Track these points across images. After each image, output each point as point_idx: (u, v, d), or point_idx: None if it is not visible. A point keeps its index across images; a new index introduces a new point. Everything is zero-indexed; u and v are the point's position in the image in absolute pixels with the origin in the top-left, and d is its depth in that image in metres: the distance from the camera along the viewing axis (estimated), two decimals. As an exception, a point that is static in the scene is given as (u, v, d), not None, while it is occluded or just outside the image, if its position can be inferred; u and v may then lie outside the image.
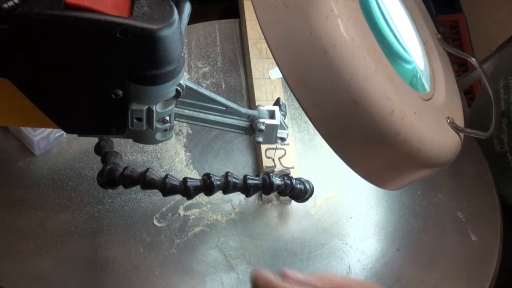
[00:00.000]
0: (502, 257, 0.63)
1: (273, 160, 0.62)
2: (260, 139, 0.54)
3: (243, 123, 0.54)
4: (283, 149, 0.63)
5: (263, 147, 0.63)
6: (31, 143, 0.62)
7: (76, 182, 0.62)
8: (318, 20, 0.37)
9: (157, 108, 0.45)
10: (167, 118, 0.47)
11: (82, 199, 0.60)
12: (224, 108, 0.52)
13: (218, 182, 0.47)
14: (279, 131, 0.55)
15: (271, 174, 0.51)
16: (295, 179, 0.57)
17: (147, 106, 0.45)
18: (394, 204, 0.66)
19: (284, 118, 0.56)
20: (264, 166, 0.62)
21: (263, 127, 0.53)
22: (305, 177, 0.61)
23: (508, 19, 1.22)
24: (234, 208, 0.62)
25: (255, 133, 0.53)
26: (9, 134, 0.64)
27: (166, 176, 0.46)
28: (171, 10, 0.41)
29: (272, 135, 0.54)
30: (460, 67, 1.37)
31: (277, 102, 0.57)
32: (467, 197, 0.67)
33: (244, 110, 0.54)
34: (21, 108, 0.44)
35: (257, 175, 0.54)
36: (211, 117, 0.52)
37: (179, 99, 0.47)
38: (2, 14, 0.38)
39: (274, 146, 0.63)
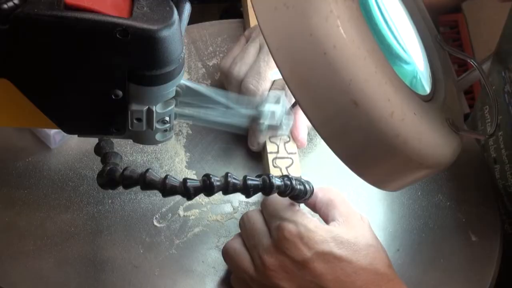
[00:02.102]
0: (502, 257, 0.63)
1: (281, 169, 0.62)
2: (265, 124, 0.53)
3: (243, 123, 0.54)
4: (290, 158, 0.63)
5: (270, 156, 0.63)
6: (47, 137, 0.63)
7: (76, 183, 0.62)
8: (318, 21, 0.37)
9: (157, 108, 0.45)
10: (167, 118, 0.47)
11: (82, 200, 0.60)
12: (224, 108, 0.52)
13: (218, 183, 0.47)
14: (284, 116, 0.54)
15: (271, 175, 0.50)
16: (295, 179, 0.56)
17: (147, 107, 0.44)
18: (394, 205, 0.65)
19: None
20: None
21: (267, 110, 0.52)
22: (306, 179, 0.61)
23: (508, 19, 1.21)
24: (234, 209, 0.62)
25: (260, 118, 0.53)
26: (22, 131, 0.64)
27: (166, 177, 0.46)
28: (171, 11, 0.41)
29: (277, 119, 0.54)
30: (460, 67, 1.37)
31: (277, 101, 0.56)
32: (467, 197, 0.67)
33: (244, 110, 0.53)
34: (21, 108, 0.44)
35: (258, 176, 0.54)
36: (211, 117, 0.52)
37: (179, 98, 0.47)
38: (2, 15, 0.38)
39: (281, 155, 0.63)
